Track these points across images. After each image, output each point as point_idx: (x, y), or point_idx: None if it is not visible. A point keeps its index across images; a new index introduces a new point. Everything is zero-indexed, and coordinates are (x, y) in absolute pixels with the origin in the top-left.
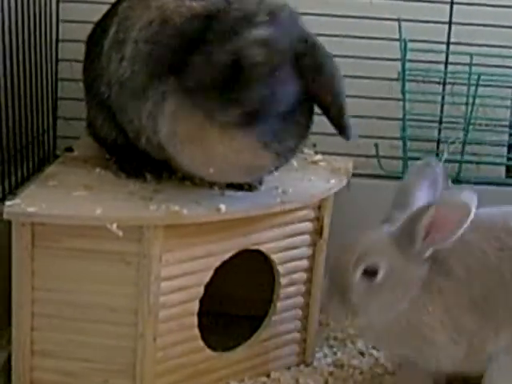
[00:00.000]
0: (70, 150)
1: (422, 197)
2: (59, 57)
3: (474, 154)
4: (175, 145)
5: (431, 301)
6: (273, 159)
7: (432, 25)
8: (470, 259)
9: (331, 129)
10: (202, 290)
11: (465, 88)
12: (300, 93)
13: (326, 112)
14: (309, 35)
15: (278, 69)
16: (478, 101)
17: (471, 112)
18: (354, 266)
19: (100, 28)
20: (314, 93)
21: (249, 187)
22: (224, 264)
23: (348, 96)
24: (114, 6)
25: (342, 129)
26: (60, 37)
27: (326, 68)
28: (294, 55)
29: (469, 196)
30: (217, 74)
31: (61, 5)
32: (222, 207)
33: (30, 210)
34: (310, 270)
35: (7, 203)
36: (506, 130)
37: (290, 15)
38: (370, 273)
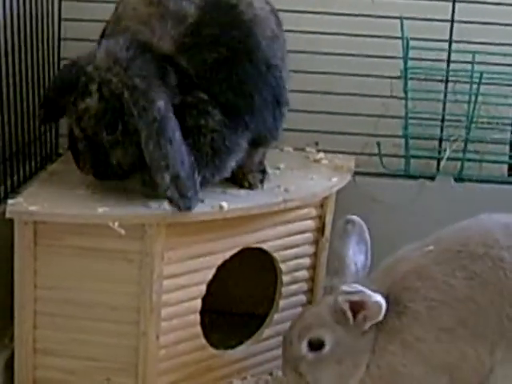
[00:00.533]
0: None
1: (353, 255)
2: (61, 55)
3: (477, 152)
4: None
5: (387, 342)
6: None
7: (434, 23)
8: (433, 293)
9: (333, 127)
10: (204, 288)
11: (467, 86)
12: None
13: None
14: (150, 109)
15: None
16: (480, 99)
17: (473, 110)
18: (298, 339)
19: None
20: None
21: (249, 185)
22: (226, 262)
23: (350, 94)
24: None
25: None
26: (62, 35)
27: (143, 134)
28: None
29: (379, 299)
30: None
31: (63, 3)
32: (225, 205)
33: (33, 208)
34: (312, 267)
35: (10, 202)
36: (509, 128)
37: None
38: (316, 345)
